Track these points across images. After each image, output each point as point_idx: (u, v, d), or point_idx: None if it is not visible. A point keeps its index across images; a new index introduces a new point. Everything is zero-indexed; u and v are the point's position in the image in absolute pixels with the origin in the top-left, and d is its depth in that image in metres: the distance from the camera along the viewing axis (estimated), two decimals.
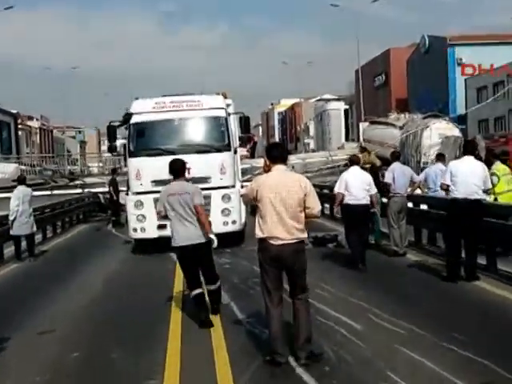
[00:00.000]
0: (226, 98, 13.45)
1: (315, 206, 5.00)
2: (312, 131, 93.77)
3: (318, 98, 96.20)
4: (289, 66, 75.11)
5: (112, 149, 13.43)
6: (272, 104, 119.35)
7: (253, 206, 5.83)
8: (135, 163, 11.93)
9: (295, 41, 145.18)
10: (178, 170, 6.70)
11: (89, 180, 30.13)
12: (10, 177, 24.96)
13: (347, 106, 78.82)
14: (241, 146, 14.06)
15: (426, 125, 24.97)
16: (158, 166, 11.65)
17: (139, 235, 12.14)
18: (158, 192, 11.64)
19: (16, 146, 72.52)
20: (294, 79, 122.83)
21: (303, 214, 4.94)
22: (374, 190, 9.47)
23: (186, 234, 6.37)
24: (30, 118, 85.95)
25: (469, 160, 7.80)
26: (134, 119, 12.22)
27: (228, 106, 13.12)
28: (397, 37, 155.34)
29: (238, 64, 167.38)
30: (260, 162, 34.43)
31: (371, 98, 63.64)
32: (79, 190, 25.61)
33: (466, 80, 47.60)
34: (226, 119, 12.37)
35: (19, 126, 77.04)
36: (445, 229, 8.49)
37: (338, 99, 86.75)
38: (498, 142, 32.07)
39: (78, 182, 29.11)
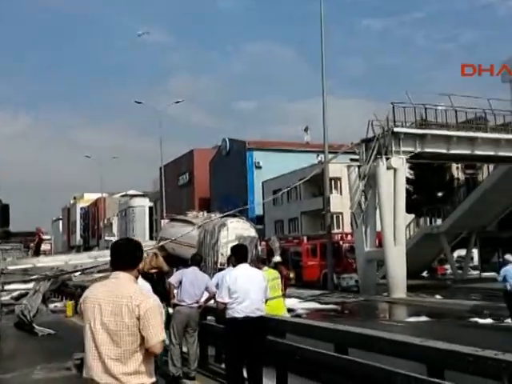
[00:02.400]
0: None
1: (150, 337, 3.18)
2: (115, 227, 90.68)
3: (123, 193, 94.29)
4: (93, 160, 72.49)
5: None
6: (75, 198, 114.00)
7: None
8: None
9: (100, 135, 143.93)
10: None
11: None
12: None
13: (152, 204, 77.97)
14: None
15: (223, 223, 24.50)
16: None
17: None
18: None
19: None
20: (98, 174, 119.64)
21: (141, 349, 3.21)
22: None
23: None
24: None
25: (245, 269, 6.57)
26: None
27: None
28: (202, 138, 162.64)
29: (42, 156, 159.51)
30: (44, 262, 30.66)
31: (176, 196, 63.77)
32: None
33: (263, 183, 50.03)
34: None
35: None
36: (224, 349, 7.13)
37: (143, 195, 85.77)
38: (292, 243, 33.08)
39: None
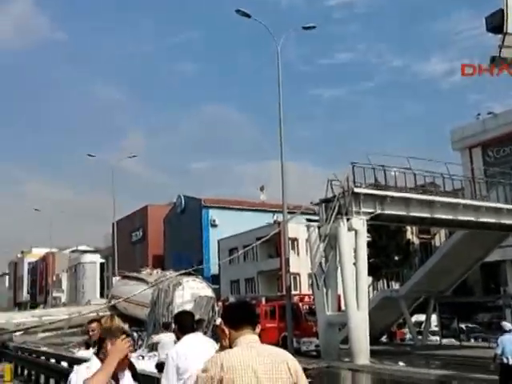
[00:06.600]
0: None
1: None
2: (64, 284, 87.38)
3: (73, 248, 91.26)
4: (41, 214, 69.33)
5: None
6: (22, 252, 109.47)
7: None
8: None
9: (48, 188, 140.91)
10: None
11: None
12: None
13: (103, 260, 75.55)
14: None
15: (178, 282, 23.38)
16: None
17: None
18: None
19: None
20: (46, 228, 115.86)
21: None
22: None
23: None
24: None
25: (195, 339, 4.91)
26: None
27: None
28: (154, 194, 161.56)
29: None
30: None
31: (128, 252, 61.97)
32: None
33: (218, 241, 49.08)
34: None
35: None
36: None
37: (94, 251, 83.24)
38: None
39: None
